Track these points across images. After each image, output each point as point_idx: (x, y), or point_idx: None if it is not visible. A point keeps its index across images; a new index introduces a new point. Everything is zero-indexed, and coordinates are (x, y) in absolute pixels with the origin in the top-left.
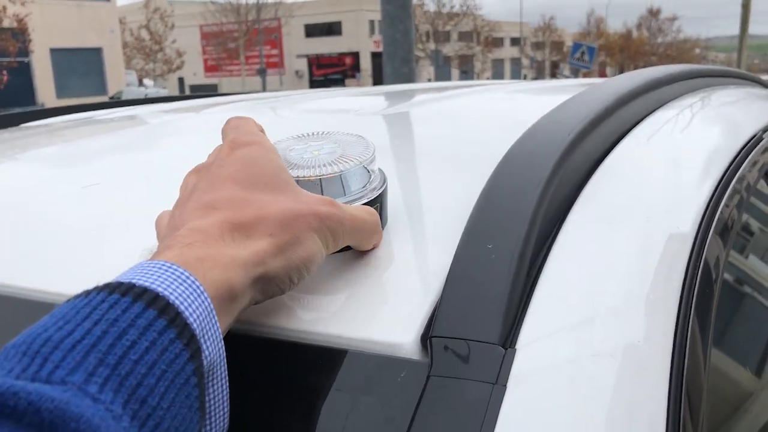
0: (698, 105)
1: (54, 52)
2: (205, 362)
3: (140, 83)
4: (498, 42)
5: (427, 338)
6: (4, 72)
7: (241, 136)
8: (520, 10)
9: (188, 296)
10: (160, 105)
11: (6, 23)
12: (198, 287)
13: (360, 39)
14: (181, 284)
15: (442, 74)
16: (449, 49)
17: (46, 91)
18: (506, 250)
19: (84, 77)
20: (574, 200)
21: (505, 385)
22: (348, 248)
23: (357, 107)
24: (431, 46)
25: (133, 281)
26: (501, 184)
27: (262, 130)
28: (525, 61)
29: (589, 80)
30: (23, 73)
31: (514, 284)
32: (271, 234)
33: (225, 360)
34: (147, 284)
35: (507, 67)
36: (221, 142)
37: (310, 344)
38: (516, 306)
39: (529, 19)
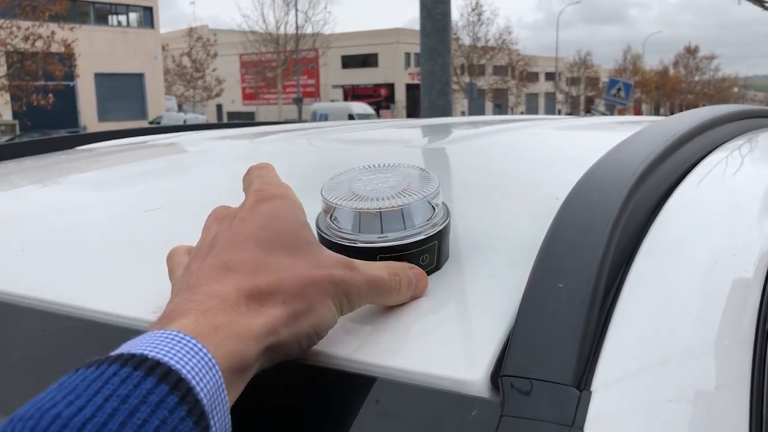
0: (749, 146)
1: (98, 76)
2: None
3: (180, 109)
4: (533, 76)
5: (497, 377)
6: (50, 95)
7: (268, 187)
8: (555, 45)
9: (200, 370)
10: (208, 132)
11: (54, 48)
12: (210, 360)
13: (396, 71)
14: (193, 357)
15: (476, 107)
16: (483, 82)
17: (88, 115)
18: (578, 289)
19: (125, 102)
20: (642, 240)
21: (582, 428)
22: None
23: (407, 139)
24: (465, 79)
25: (146, 353)
26: (569, 221)
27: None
28: (559, 96)
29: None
30: (68, 97)
31: (587, 324)
32: (284, 302)
33: None
34: (159, 357)
35: (541, 102)
36: (244, 191)
37: (378, 377)
38: (589, 347)
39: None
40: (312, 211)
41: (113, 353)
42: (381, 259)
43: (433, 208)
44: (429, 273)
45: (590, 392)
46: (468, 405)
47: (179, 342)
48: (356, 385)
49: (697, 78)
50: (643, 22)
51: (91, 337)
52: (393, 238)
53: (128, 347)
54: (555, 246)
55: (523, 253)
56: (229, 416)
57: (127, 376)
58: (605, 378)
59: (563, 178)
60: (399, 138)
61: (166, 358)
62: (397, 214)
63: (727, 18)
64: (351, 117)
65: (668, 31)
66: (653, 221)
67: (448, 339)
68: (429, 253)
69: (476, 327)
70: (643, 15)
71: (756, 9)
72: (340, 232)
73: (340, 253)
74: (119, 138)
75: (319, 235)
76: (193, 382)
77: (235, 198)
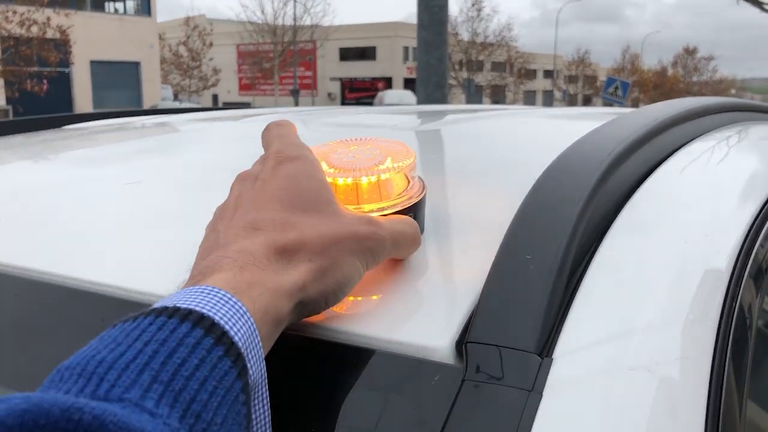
0: (735, 138)
1: (93, 64)
2: (250, 381)
3: (175, 98)
4: (531, 74)
5: (462, 344)
6: (45, 81)
7: (286, 148)
8: (554, 43)
9: (232, 316)
10: (195, 114)
11: (49, 34)
12: (241, 308)
13: (394, 64)
14: (224, 305)
15: (473, 103)
16: (482, 78)
17: (83, 102)
18: (545, 262)
19: (121, 90)
20: (613, 219)
21: (541, 393)
22: None
23: (393, 123)
24: (464, 74)
25: (178, 305)
26: (541, 198)
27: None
28: (557, 94)
29: (617, 109)
30: (62, 84)
31: (552, 295)
32: (311, 259)
33: (267, 381)
34: (192, 306)
35: (539, 99)
36: (263, 149)
37: (344, 344)
38: (554, 316)
39: (563, 52)
40: None
41: (149, 308)
42: None
43: (410, 180)
44: None
45: (551, 359)
46: (432, 371)
47: (209, 294)
48: (324, 352)
49: (695, 79)
50: (639, 22)
51: (64, 305)
52: (369, 209)
53: (162, 302)
54: (526, 220)
55: (496, 231)
56: (265, 365)
57: (162, 323)
58: (567, 346)
59: (542, 160)
60: (383, 122)
61: (198, 307)
62: (373, 186)
63: (723, 20)
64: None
65: (665, 32)
66: (627, 202)
67: (416, 308)
68: None
69: (445, 297)
70: (638, 15)
71: (753, 11)
72: None
73: None
74: (108, 119)
75: None
76: (227, 326)
77: (223, 174)
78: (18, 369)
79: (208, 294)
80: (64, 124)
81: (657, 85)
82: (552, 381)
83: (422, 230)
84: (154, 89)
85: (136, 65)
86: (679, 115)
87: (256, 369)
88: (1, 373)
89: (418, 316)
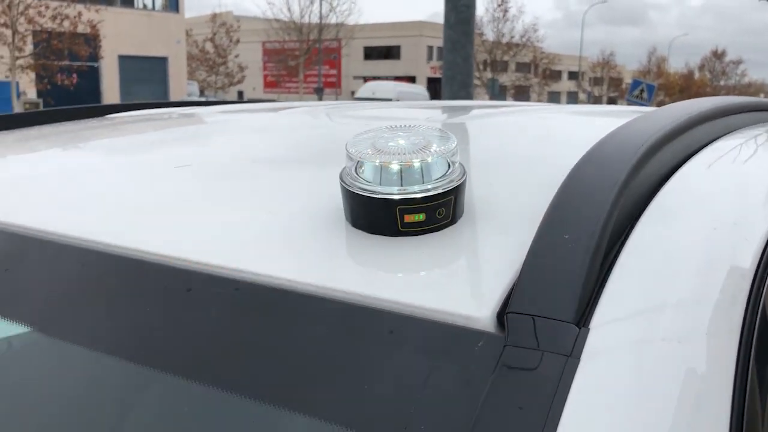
0: (763, 137)
1: (122, 58)
2: None
3: (201, 94)
4: (556, 75)
5: (503, 314)
6: (74, 75)
7: None
8: (580, 44)
9: None
10: (228, 105)
11: (80, 28)
12: None
13: (418, 64)
14: None
15: None
16: (506, 78)
17: (111, 96)
18: (583, 240)
19: (148, 85)
20: (646, 206)
21: (578, 359)
22: (428, 231)
23: (426, 117)
24: (488, 75)
25: None
26: (578, 183)
27: None
28: (582, 96)
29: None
30: (92, 78)
31: (589, 270)
32: None
33: None
34: None
35: (563, 101)
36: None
37: (393, 311)
38: (590, 290)
39: (586, 54)
40: (329, 174)
41: None
42: (400, 211)
43: (451, 165)
44: (444, 226)
45: (588, 329)
46: (475, 338)
47: None
48: (372, 318)
49: (722, 83)
50: (662, 24)
51: (121, 272)
52: (412, 191)
53: None
54: (564, 203)
55: (533, 214)
56: None
57: None
58: (603, 317)
59: (574, 151)
60: (416, 116)
61: None
62: (416, 169)
63: (748, 23)
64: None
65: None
66: (658, 192)
67: (459, 281)
68: (445, 207)
69: (486, 272)
70: (662, 18)
71: None
72: (363, 184)
73: (363, 205)
74: (148, 108)
75: (344, 187)
76: None
77: (253, 161)
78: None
79: None
80: (108, 113)
81: (683, 89)
82: (588, 349)
83: (461, 214)
84: (180, 85)
85: (163, 60)
86: (707, 112)
87: None
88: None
89: (461, 288)
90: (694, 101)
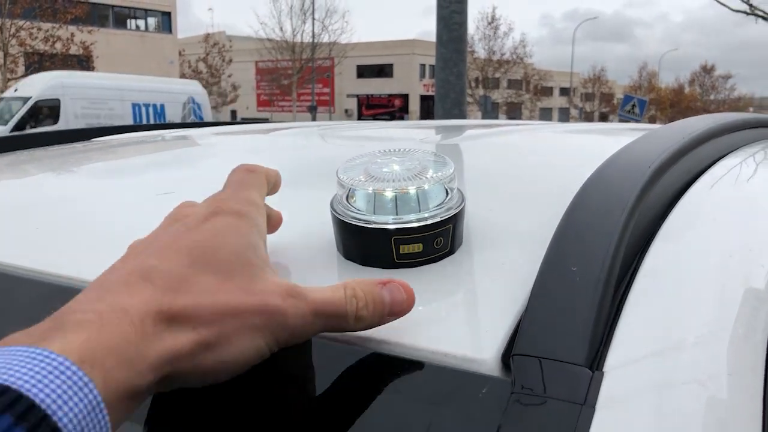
0: (754, 156)
1: None
2: None
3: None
4: (547, 91)
5: (509, 356)
6: None
7: (230, 199)
8: (571, 60)
9: (65, 392)
10: (225, 127)
11: (73, 50)
12: (80, 379)
13: (410, 82)
14: (56, 378)
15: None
16: (498, 95)
17: None
18: (592, 273)
19: None
20: (656, 231)
21: (593, 407)
22: (425, 262)
23: (422, 137)
24: (480, 91)
25: None
26: (584, 209)
27: (277, 182)
28: (573, 112)
29: (642, 125)
30: None
31: (600, 306)
32: (195, 329)
33: None
34: (9, 380)
35: (555, 117)
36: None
37: (388, 355)
38: (602, 328)
39: (579, 69)
40: (321, 196)
41: None
42: (396, 242)
43: (449, 192)
44: (443, 257)
45: (602, 373)
46: (479, 383)
47: (41, 362)
48: (369, 363)
49: (712, 97)
50: (648, 40)
51: None
52: (408, 219)
53: None
54: (570, 231)
55: (535, 243)
56: None
57: None
58: (618, 359)
59: (577, 174)
60: (412, 136)
61: (19, 382)
62: (412, 196)
63: (732, 38)
64: None
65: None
66: (669, 213)
67: (459, 319)
68: (443, 236)
69: (488, 308)
70: (648, 34)
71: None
72: (356, 213)
73: (355, 236)
74: (134, 131)
75: (335, 216)
76: (52, 408)
77: None
78: None
79: (41, 362)
80: (94, 137)
81: (674, 103)
82: (604, 395)
83: (460, 243)
84: None
85: None
86: (712, 129)
87: None
88: None
89: (462, 326)
90: (697, 118)
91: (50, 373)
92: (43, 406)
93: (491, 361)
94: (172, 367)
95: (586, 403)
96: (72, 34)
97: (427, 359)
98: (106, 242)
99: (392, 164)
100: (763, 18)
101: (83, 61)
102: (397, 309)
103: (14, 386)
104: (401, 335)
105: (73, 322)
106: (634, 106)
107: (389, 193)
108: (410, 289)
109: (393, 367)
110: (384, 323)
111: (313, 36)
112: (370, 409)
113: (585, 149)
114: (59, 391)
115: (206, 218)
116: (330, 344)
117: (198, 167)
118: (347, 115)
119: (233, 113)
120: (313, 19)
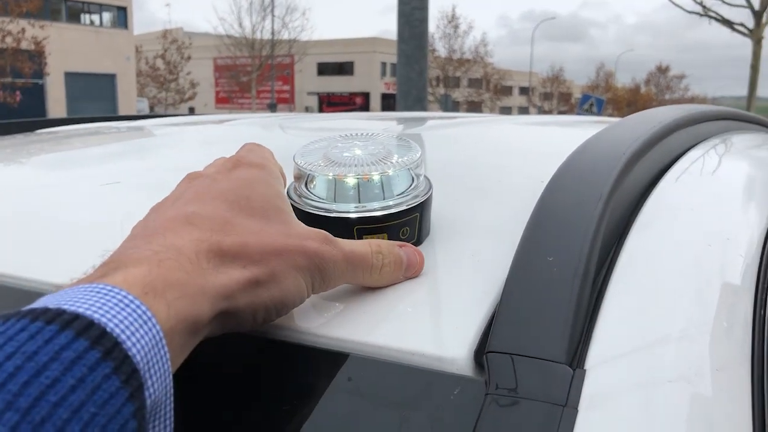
0: (733, 142)
1: (68, 75)
2: (148, 401)
3: (151, 111)
4: (507, 90)
5: (482, 354)
6: (18, 92)
7: (249, 155)
8: (530, 60)
9: (132, 323)
10: (167, 119)
11: (24, 45)
12: (145, 312)
13: (371, 80)
14: (123, 309)
15: None
16: (458, 94)
17: (57, 113)
18: (569, 263)
19: (96, 102)
20: (633, 220)
21: (576, 408)
22: None
23: (384, 127)
24: (440, 90)
25: (63, 306)
26: (558, 197)
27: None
28: (533, 110)
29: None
30: (36, 95)
31: (579, 299)
32: (245, 266)
33: (172, 398)
34: (79, 310)
35: (515, 115)
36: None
37: (351, 353)
38: (582, 322)
39: (538, 69)
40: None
41: (26, 308)
42: (359, 231)
43: (415, 179)
44: None
45: (584, 370)
46: (451, 383)
47: (106, 294)
48: (329, 362)
49: (667, 96)
50: (603, 41)
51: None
52: (371, 208)
53: (44, 301)
54: (544, 220)
55: (507, 232)
56: (171, 379)
57: (37, 330)
58: (600, 356)
59: (546, 164)
60: (373, 127)
61: (87, 312)
62: (376, 183)
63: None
64: None
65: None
66: (644, 202)
67: (428, 315)
68: (410, 226)
69: (459, 303)
70: (602, 35)
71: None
72: (314, 201)
73: (314, 225)
74: (80, 123)
75: (292, 205)
76: (123, 336)
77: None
78: None
79: (106, 295)
80: (37, 129)
81: (630, 103)
82: (587, 394)
83: (427, 233)
84: (129, 101)
85: (111, 77)
86: (683, 118)
87: (159, 386)
88: None
89: (430, 324)
90: (665, 108)
91: (116, 305)
92: (114, 334)
93: (463, 359)
94: (228, 303)
95: (567, 404)
96: (23, 29)
97: (394, 359)
98: (49, 237)
99: (354, 149)
100: (716, 19)
101: (35, 57)
102: (411, 270)
103: (85, 313)
104: (367, 333)
105: (131, 259)
106: (591, 104)
107: (351, 180)
108: (422, 254)
109: (358, 367)
110: (398, 282)
111: (273, 33)
112: (332, 412)
113: (552, 139)
114: (126, 322)
115: (231, 171)
116: (293, 345)
117: (149, 158)
118: (308, 112)
119: (191, 110)
120: (273, 15)
